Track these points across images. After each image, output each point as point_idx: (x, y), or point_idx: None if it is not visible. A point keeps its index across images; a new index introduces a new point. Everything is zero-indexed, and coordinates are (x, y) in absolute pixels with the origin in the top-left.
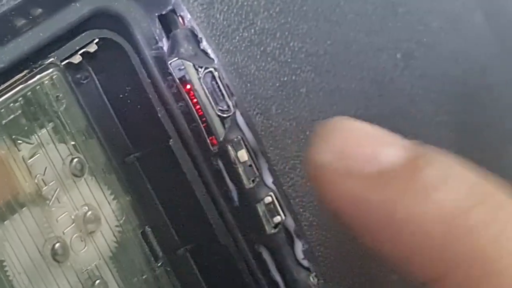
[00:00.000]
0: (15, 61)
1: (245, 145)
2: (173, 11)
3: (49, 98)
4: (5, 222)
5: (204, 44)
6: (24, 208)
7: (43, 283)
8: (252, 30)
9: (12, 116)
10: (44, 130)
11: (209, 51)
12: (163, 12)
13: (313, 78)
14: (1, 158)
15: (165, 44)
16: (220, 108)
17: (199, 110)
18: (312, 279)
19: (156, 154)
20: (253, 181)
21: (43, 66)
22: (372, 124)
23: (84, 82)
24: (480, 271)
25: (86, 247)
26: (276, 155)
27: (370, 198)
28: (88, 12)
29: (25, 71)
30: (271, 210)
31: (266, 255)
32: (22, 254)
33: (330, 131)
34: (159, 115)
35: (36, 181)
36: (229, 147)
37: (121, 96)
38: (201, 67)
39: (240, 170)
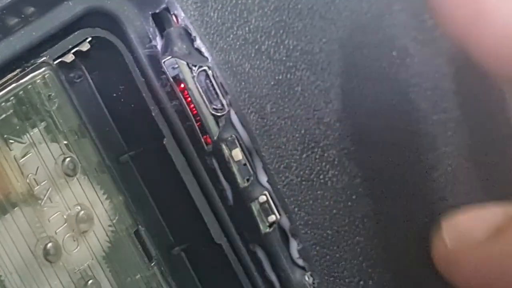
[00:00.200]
0: (7, 60)
1: (240, 144)
2: (167, 9)
3: (41, 97)
4: None
5: (198, 43)
6: (16, 208)
7: (35, 283)
8: (247, 28)
9: (3, 116)
10: (36, 130)
11: (203, 49)
12: (157, 11)
13: (308, 76)
14: None
15: (158, 43)
16: (214, 107)
17: (193, 109)
18: (308, 278)
19: (150, 153)
20: (247, 180)
21: (35, 65)
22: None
23: (78, 81)
24: None
25: (78, 247)
26: (271, 154)
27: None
28: (81, 10)
29: (17, 70)
30: (266, 209)
31: (261, 254)
32: (13, 254)
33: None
34: (153, 114)
35: (28, 180)
36: (223, 146)
37: (114, 95)
38: (195, 66)
39: (235, 169)
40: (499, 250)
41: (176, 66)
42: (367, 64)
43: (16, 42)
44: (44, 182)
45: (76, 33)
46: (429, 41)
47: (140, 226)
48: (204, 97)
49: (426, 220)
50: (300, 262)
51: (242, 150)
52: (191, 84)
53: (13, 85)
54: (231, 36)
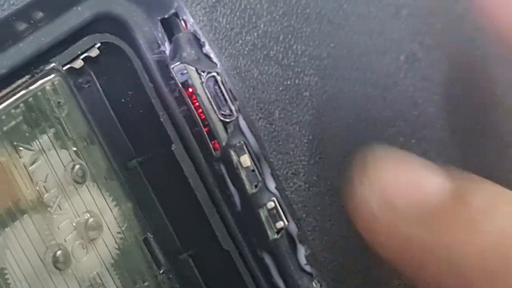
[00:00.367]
0: (17, 66)
1: (248, 150)
2: (176, 14)
3: (50, 104)
4: (6, 229)
5: (207, 48)
6: (25, 215)
7: None
8: (255, 34)
9: (13, 123)
10: (45, 136)
11: (212, 55)
12: (166, 16)
13: (316, 82)
14: (2, 165)
15: (167, 48)
16: (223, 112)
17: (202, 115)
18: (315, 284)
19: (158, 158)
20: (255, 186)
21: (44, 71)
22: (410, 154)
23: (86, 86)
24: None
25: (87, 255)
26: (279, 160)
27: (414, 234)
28: (90, 16)
29: (27, 77)
30: (274, 216)
31: (268, 261)
32: (23, 262)
33: (371, 163)
34: (161, 119)
35: (37, 188)
36: (232, 152)
37: (123, 100)
38: (204, 72)
39: (243, 175)
40: (435, 234)
41: (185, 71)
42: (374, 69)
43: (26, 48)
44: (53, 190)
45: (85, 38)
46: (437, 46)
47: (148, 233)
48: (212, 103)
49: None
50: (308, 268)
51: (251, 156)
52: (199, 90)
53: (23, 91)
54: (240, 41)
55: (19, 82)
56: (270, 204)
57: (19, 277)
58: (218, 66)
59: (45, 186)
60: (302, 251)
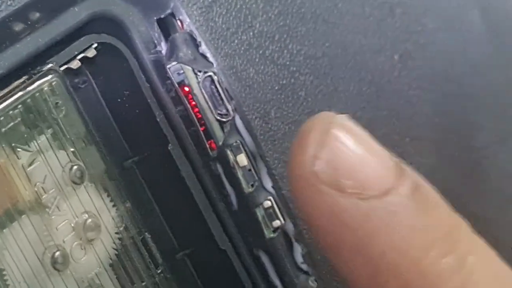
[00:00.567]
0: (14, 67)
1: (245, 150)
2: (172, 14)
3: (48, 104)
4: (5, 231)
5: (203, 48)
6: (23, 216)
7: None
8: (251, 33)
9: (11, 124)
10: (43, 137)
11: (208, 55)
12: (162, 16)
13: (312, 81)
14: (0, 166)
15: (164, 48)
16: (219, 112)
17: (198, 114)
18: (312, 283)
19: (155, 158)
20: (252, 185)
21: (42, 72)
22: (362, 128)
23: (82, 86)
24: None
25: (86, 255)
26: (275, 159)
27: (353, 220)
28: (87, 16)
29: (24, 78)
30: (271, 215)
31: (265, 259)
32: (21, 263)
33: (321, 133)
34: (158, 119)
35: (35, 189)
36: (229, 152)
37: (119, 100)
38: (200, 71)
39: (239, 174)
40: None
41: (181, 71)
42: (369, 68)
43: (23, 49)
44: (52, 191)
45: (82, 39)
46: (431, 44)
47: (146, 233)
48: (209, 102)
49: None
50: (304, 267)
51: (247, 155)
52: (196, 90)
53: (21, 93)
54: (236, 41)
55: (17, 83)
56: (267, 203)
57: (17, 278)
58: (215, 65)
59: (43, 187)
60: (298, 250)
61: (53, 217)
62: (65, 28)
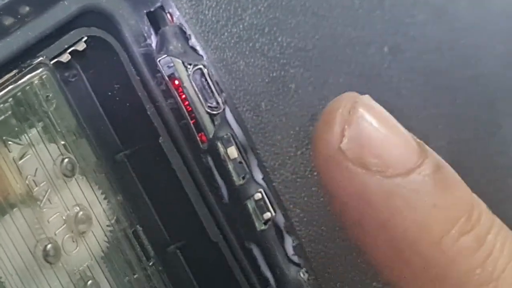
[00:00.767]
0: (4, 61)
1: (235, 142)
2: (162, 8)
3: (38, 98)
4: None
5: (193, 41)
6: (15, 209)
7: (35, 285)
8: (241, 26)
9: (2, 117)
10: (34, 130)
11: (198, 48)
12: (152, 9)
13: (302, 73)
14: None
15: (153, 41)
16: (210, 105)
17: (188, 107)
18: (303, 275)
19: (146, 151)
20: (243, 178)
21: (32, 65)
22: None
23: (72, 80)
24: None
25: (77, 248)
26: (266, 151)
27: (378, 198)
28: (77, 10)
29: (14, 71)
30: (261, 207)
31: (256, 252)
32: (13, 256)
33: (349, 111)
34: (148, 112)
35: (27, 182)
36: (219, 144)
37: (109, 93)
38: (190, 64)
39: (230, 167)
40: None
41: (172, 64)
42: (359, 60)
43: (13, 42)
44: (43, 183)
45: (71, 32)
46: (420, 36)
47: (138, 226)
48: (199, 95)
49: None
50: (295, 258)
51: (238, 148)
52: (186, 83)
53: (11, 86)
54: (226, 34)
55: (7, 76)
56: (258, 196)
57: (10, 271)
58: (205, 58)
59: (35, 180)
60: (289, 242)
61: (44, 210)
62: (55, 21)
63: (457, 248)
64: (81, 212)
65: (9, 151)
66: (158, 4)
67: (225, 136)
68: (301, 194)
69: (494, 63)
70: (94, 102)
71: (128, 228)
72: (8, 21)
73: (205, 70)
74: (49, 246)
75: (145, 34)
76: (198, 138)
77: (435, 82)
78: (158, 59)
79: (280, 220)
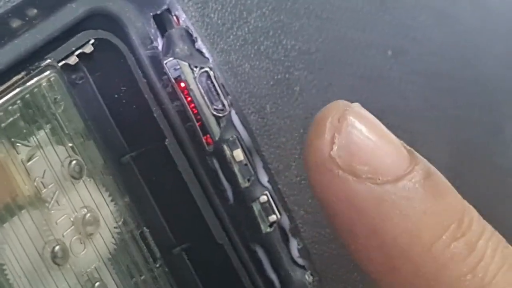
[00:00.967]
0: (12, 63)
1: (241, 144)
2: (168, 10)
3: (47, 100)
4: (5, 225)
5: (199, 44)
6: (23, 211)
7: (43, 286)
8: (246, 29)
9: (11, 119)
10: (42, 132)
11: (204, 50)
12: (158, 12)
13: (306, 76)
14: (0, 161)
15: (160, 44)
16: (215, 107)
17: (194, 110)
18: (308, 277)
19: (152, 153)
20: (248, 180)
21: (40, 68)
22: (372, 114)
23: (79, 82)
24: None
25: (85, 250)
26: (271, 153)
27: (368, 205)
28: (84, 12)
29: (22, 73)
30: (267, 209)
31: (261, 254)
32: (22, 257)
33: (339, 119)
34: (155, 115)
35: (35, 183)
36: (225, 147)
37: (116, 96)
38: (196, 67)
39: (236, 169)
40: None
41: (178, 67)
42: (362, 62)
43: (21, 45)
44: (51, 185)
45: (79, 35)
46: (423, 39)
47: (144, 228)
48: (205, 97)
49: None
50: (300, 261)
51: (243, 150)
52: (192, 85)
53: (19, 88)
54: (231, 36)
55: (15, 78)
56: (263, 198)
57: (18, 272)
58: (211, 61)
59: (43, 182)
60: (294, 244)
61: (52, 211)
62: (62, 24)
63: (448, 254)
64: (88, 214)
65: (18, 153)
66: (165, 7)
67: (230, 139)
68: (305, 196)
69: (496, 66)
70: (100, 105)
71: (135, 229)
72: (16, 23)
73: (211, 73)
74: (57, 247)
75: (152, 37)
76: (204, 141)
77: (437, 84)
78: (165, 62)
79: (286, 222)
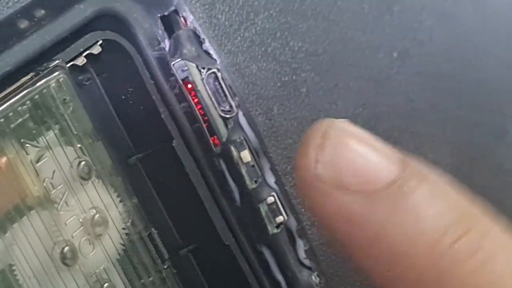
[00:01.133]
0: (21, 64)
1: (248, 146)
2: (176, 12)
3: (55, 101)
4: (14, 226)
5: (207, 45)
6: (32, 212)
7: (53, 287)
8: (253, 30)
9: (20, 120)
10: (51, 133)
11: (212, 51)
12: (166, 13)
13: (313, 78)
14: (10, 161)
15: (167, 45)
16: (223, 108)
17: (202, 111)
18: (314, 278)
19: (159, 155)
20: (255, 181)
21: (49, 68)
22: (362, 129)
23: (87, 83)
24: None
25: (94, 250)
26: (278, 155)
27: (361, 216)
28: (92, 13)
29: (31, 74)
30: (274, 210)
31: (268, 255)
32: (31, 258)
33: (321, 137)
34: (162, 116)
35: (44, 184)
36: (232, 148)
37: (123, 97)
38: (204, 68)
39: (243, 170)
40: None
41: (185, 68)
42: (368, 64)
43: (29, 45)
44: (60, 186)
45: (87, 36)
46: (428, 41)
47: (153, 229)
48: (213, 99)
49: None
50: (307, 262)
51: (251, 151)
52: (200, 86)
53: (29, 89)
54: (239, 38)
55: (24, 79)
56: (270, 199)
57: (27, 273)
58: (218, 62)
59: (52, 183)
60: (301, 245)
61: (61, 212)
62: (70, 25)
63: (450, 256)
64: (97, 215)
65: (27, 154)
66: (172, 8)
67: (238, 140)
68: None
69: (500, 67)
70: (108, 106)
71: (143, 231)
72: (24, 24)
73: (218, 74)
74: (66, 248)
75: (159, 38)
76: (211, 142)
77: (442, 86)
78: (172, 63)
79: (292, 223)
